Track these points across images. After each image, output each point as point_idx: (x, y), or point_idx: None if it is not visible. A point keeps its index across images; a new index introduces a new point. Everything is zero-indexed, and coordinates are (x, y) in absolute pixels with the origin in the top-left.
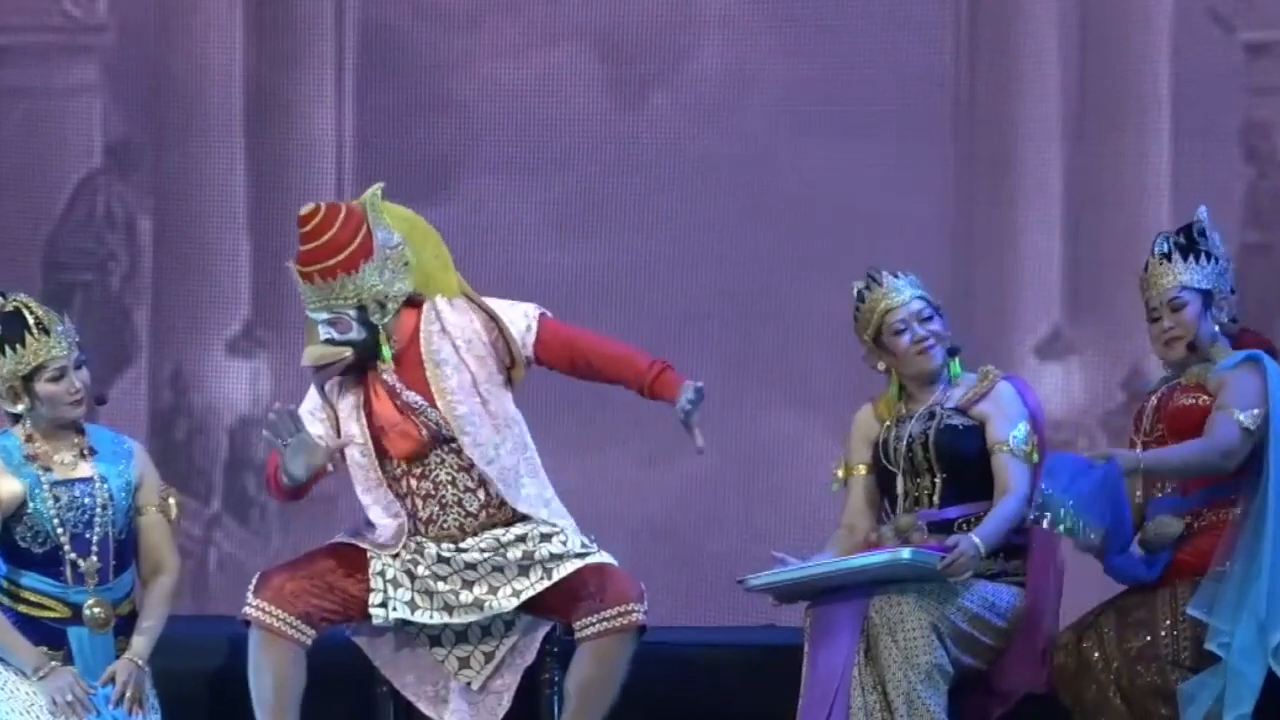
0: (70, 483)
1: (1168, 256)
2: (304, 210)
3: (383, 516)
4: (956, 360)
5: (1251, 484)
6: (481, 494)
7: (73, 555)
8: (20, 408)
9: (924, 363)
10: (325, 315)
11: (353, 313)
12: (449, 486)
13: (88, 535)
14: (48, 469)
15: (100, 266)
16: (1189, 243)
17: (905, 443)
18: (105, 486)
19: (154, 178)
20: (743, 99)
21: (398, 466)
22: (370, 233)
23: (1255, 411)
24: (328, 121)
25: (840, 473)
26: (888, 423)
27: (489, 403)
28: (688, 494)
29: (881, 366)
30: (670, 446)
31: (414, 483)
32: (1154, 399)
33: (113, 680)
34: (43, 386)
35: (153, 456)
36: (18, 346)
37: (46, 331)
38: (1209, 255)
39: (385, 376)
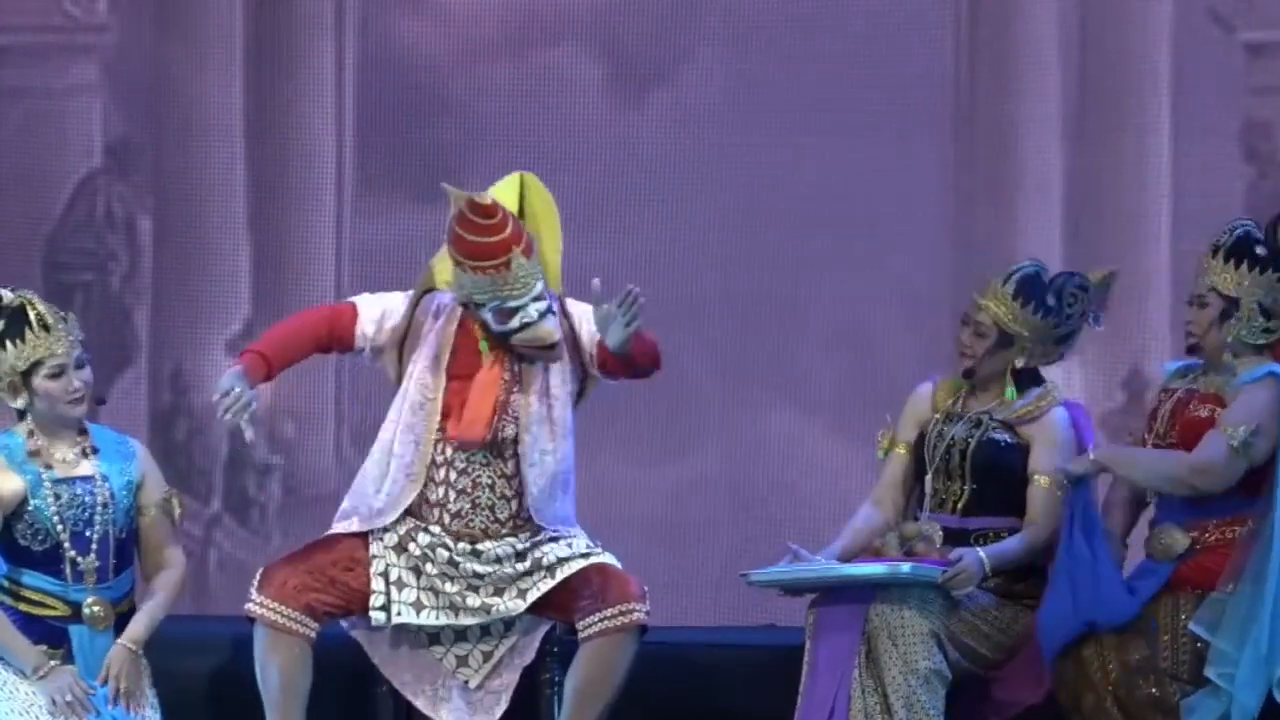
0: (71, 480)
1: (1215, 252)
2: (484, 201)
3: (400, 470)
4: (1012, 388)
5: (1263, 503)
6: (514, 504)
7: (72, 553)
8: (20, 403)
9: (959, 365)
10: (539, 287)
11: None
12: (487, 490)
13: (88, 533)
14: (49, 466)
15: (100, 266)
16: (1254, 245)
17: (945, 443)
18: (106, 485)
19: (154, 178)
20: (743, 99)
21: (440, 452)
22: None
23: (1245, 427)
24: (328, 121)
25: (885, 443)
26: (938, 415)
27: (554, 408)
28: (688, 494)
29: None
30: (670, 447)
31: (453, 475)
32: (1172, 400)
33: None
34: (40, 382)
35: (153, 456)
36: (18, 342)
37: (47, 329)
38: (1263, 265)
39: (515, 360)
